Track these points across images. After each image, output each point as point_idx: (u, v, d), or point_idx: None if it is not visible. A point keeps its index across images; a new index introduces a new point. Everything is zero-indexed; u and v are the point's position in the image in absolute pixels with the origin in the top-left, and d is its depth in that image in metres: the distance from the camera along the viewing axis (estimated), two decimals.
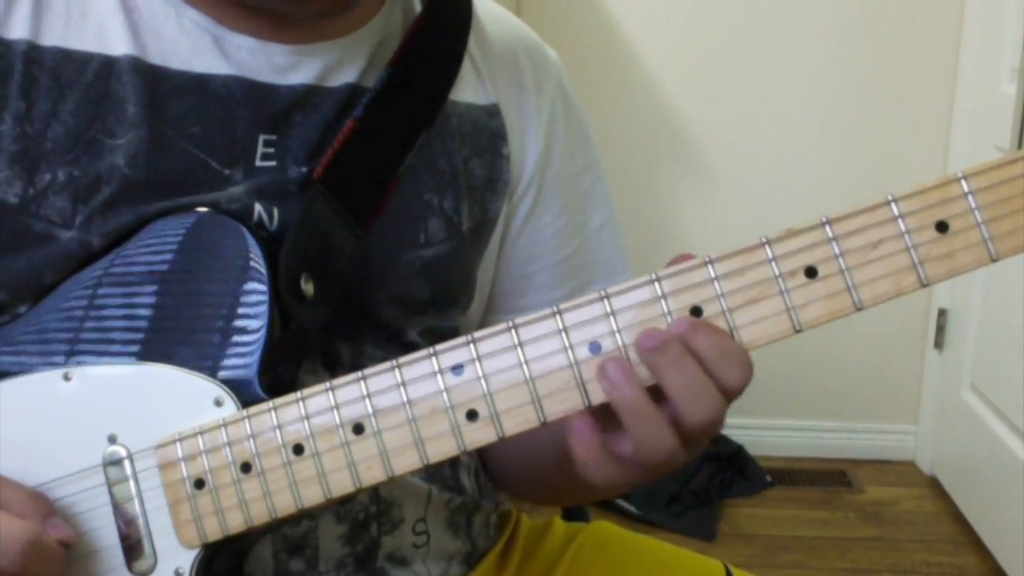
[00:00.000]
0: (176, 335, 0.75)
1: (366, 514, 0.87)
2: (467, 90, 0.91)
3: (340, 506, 0.85)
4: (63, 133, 0.77)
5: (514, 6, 2.77)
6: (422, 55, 0.87)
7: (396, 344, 0.87)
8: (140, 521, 0.72)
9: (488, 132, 0.91)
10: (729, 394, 0.66)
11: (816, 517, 2.78)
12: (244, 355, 0.74)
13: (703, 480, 2.81)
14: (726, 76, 2.92)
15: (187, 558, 0.72)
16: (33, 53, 0.78)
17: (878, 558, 2.58)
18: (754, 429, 3.05)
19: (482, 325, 0.93)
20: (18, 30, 0.78)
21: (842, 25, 2.85)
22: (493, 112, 0.92)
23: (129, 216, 0.77)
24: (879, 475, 3.01)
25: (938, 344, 2.93)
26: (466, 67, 0.91)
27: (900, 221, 0.63)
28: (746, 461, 2.96)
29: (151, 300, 0.76)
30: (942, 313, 2.90)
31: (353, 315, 0.84)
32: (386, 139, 0.84)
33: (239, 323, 0.75)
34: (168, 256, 0.76)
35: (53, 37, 0.79)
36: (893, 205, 0.64)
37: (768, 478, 2.95)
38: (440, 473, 0.93)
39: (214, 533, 0.71)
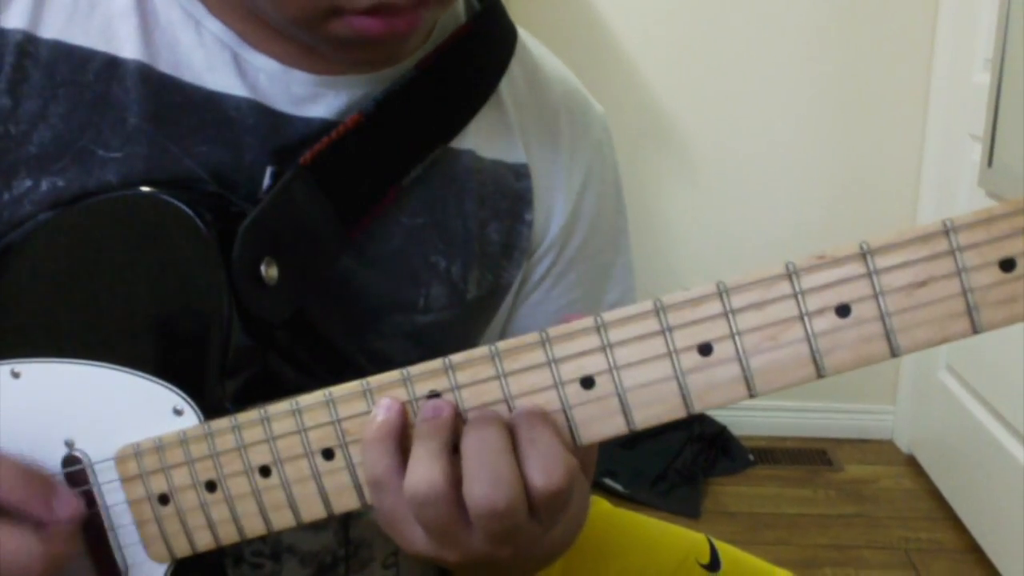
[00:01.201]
0: (126, 333, 0.68)
1: (333, 557, 0.81)
2: (497, 146, 0.81)
3: (307, 551, 0.80)
4: (51, 138, 0.69)
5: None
6: (453, 72, 0.77)
7: None
8: (109, 535, 0.68)
9: (512, 195, 0.81)
10: (531, 492, 0.56)
11: (797, 495, 2.79)
12: (201, 357, 0.67)
13: (687, 459, 2.83)
14: (707, 69, 2.90)
15: (158, 571, 0.68)
16: (28, 45, 0.69)
17: (858, 534, 2.58)
18: (737, 409, 3.05)
19: None
20: (16, 19, 0.70)
21: (820, 17, 2.83)
22: (521, 172, 0.82)
23: None
24: (859, 454, 3.02)
25: None
26: (499, 121, 0.81)
27: (957, 256, 0.50)
28: (729, 440, 2.98)
29: (98, 295, 0.68)
30: None
31: (329, 357, 0.76)
32: (389, 144, 0.74)
33: (194, 316, 0.67)
34: (111, 246, 0.68)
35: (53, 29, 0.70)
36: (951, 235, 0.50)
37: (751, 457, 2.96)
38: None
39: (183, 550, 0.67)
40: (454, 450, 0.58)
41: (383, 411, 0.59)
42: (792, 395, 3.07)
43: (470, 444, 0.56)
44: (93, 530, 0.68)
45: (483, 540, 0.58)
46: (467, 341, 0.82)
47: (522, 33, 0.86)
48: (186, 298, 0.67)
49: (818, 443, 3.08)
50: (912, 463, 2.96)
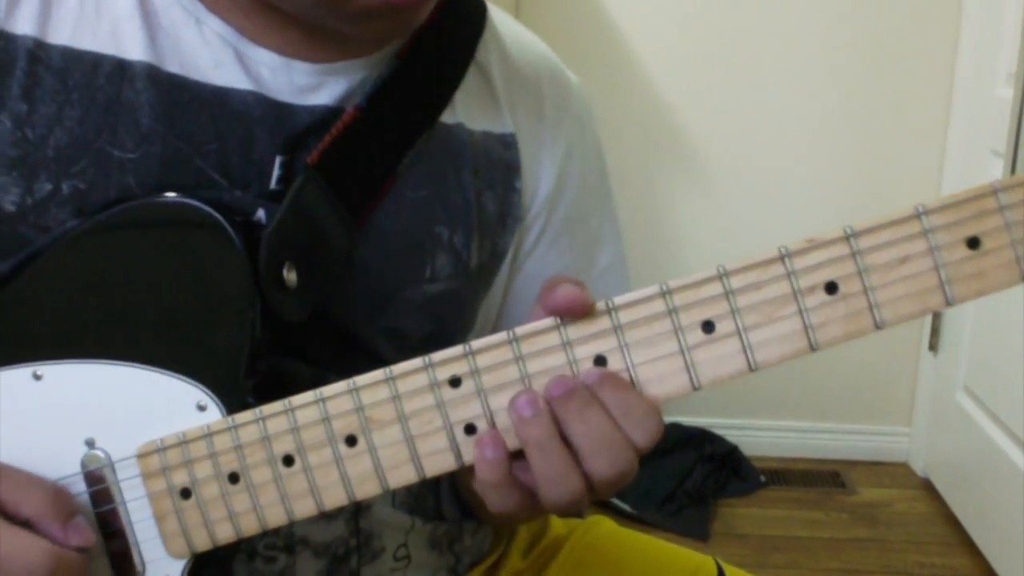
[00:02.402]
0: (150, 334, 0.71)
1: (346, 548, 0.84)
2: (484, 117, 0.86)
3: (320, 542, 0.83)
4: (68, 142, 0.72)
5: (513, 5, 2.77)
6: (432, 52, 0.82)
7: None
8: (127, 531, 0.69)
9: (503, 165, 0.87)
10: (637, 450, 0.63)
11: (809, 517, 2.78)
12: (226, 355, 0.70)
13: (697, 480, 2.82)
14: (724, 76, 2.91)
15: (176, 567, 0.70)
16: (39, 51, 0.72)
17: (871, 559, 2.58)
18: (748, 429, 3.06)
19: None
20: (23, 25, 0.73)
21: (840, 28, 2.85)
22: (509, 142, 0.87)
23: None
24: (873, 476, 3.01)
25: (932, 346, 2.92)
26: (485, 92, 0.87)
27: (929, 236, 0.58)
28: (740, 461, 2.97)
29: (122, 297, 0.72)
30: (936, 316, 2.90)
31: (346, 346, 0.80)
32: (385, 134, 0.79)
33: (218, 319, 0.71)
34: (139, 251, 0.72)
35: (62, 35, 0.73)
36: (923, 218, 0.59)
37: (762, 478, 2.95)
38: (424, 507, 0.91)
39: (203, 544, 0.69)
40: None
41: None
42: (805, 415, 3.07)
43: (579, 431, 0.62)
44: (111, 528, 0.70)
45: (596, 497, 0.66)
46: (473, 309, 0.88)
47: (493, 9, 0.91)
48: (213, 300, 0.71)
49: (831, 465, 3.08)
50: (927, 487, 2.96)
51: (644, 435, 0.62)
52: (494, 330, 0.87)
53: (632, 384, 0.63)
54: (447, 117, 0.83)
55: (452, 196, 0.83)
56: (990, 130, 2.54)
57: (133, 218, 0.72)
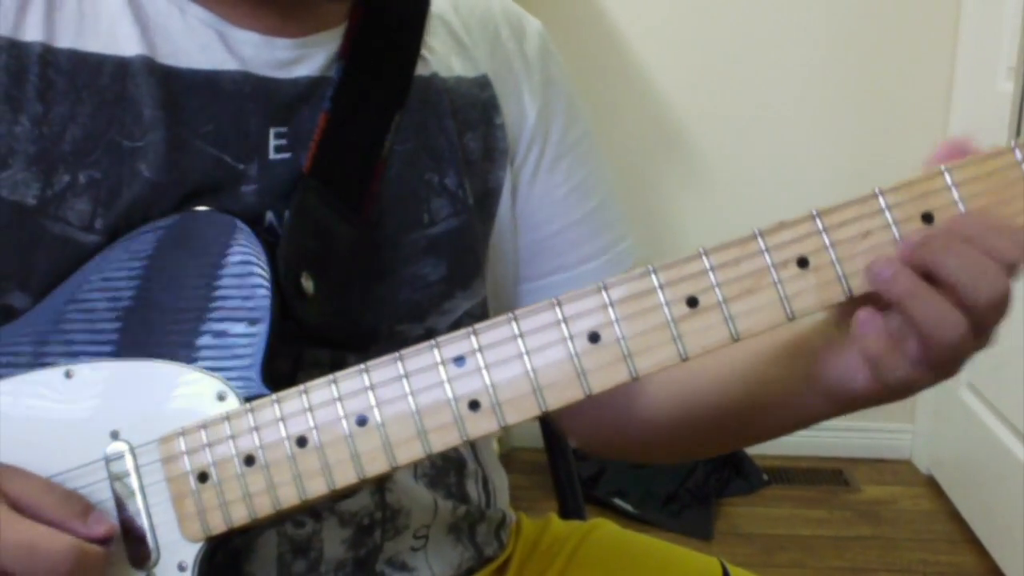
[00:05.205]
0: (175, 332, 0.76)
1: (371, 519, 0.88)
2: (455, 64, 0.93)
3: (346, 511, 0.87)
4: (82, 136, 0.78)
5: None
6: (376, 41, 0.88)
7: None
8: (143, 515, 0.73)
9: (480, 104, 0.93)
10: (1010, 269, 0.64)
11: (813, 516, 2.80)
12: (246, 352, 0.75)
13: (700, 479, 2.83)
14: (722, 72, 2.94)
15: (190, 552, 0.72)
16: (48, 56, 0.79)
17: (875, 557, 2.60)
18: None
19: (516, 296, 0.97)
20: (32, 32, 0.79)
21: (839, 22, 2.88)
22: (483, 83, 0.94)
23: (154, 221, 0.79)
24: (876, 474, 3.03)
25: None
26: (452, 41, 0.94)
27: (887, 212, 0.65)
28: (743, 460, 2.97)
29: (143, 299, 0.77)
30: None
31: (369, 319, 0.85)
32: (361, 126, 0.85)
33: (239, 321, 0.76)
34: (158, 257, 0.77)
35: (67, 39, 0.79)
36: (880, 197, 0.66)
37: (765, 477, 2.97)
38: (445, 481, 0.95)
39: (218, 526, 0.72)
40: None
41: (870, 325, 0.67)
42: None
43: (949, 264, 0.63)
44: (128, 514, 0.73)
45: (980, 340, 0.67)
46: (478, 244, 0.93)
47: None
48: (235, 303, 0.76)
49: (834, 463, 3.09)
50: (931, 484, 2.97)
51: (1014, 247, 0.63)
52: (519, 260, 0.96)
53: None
54: (421, 70, 0.90)
55: (436, 143, 0.89)
56: (990, 124, 2.56)
57: (169, 230, 0.78)
